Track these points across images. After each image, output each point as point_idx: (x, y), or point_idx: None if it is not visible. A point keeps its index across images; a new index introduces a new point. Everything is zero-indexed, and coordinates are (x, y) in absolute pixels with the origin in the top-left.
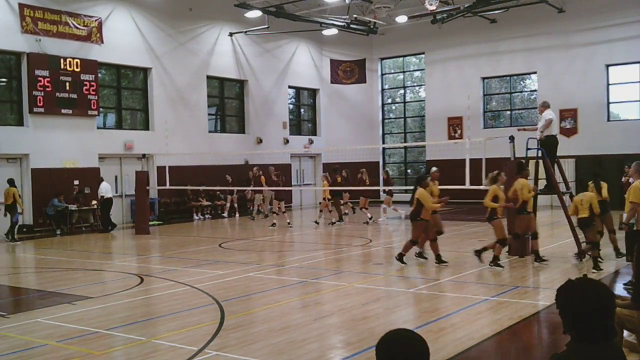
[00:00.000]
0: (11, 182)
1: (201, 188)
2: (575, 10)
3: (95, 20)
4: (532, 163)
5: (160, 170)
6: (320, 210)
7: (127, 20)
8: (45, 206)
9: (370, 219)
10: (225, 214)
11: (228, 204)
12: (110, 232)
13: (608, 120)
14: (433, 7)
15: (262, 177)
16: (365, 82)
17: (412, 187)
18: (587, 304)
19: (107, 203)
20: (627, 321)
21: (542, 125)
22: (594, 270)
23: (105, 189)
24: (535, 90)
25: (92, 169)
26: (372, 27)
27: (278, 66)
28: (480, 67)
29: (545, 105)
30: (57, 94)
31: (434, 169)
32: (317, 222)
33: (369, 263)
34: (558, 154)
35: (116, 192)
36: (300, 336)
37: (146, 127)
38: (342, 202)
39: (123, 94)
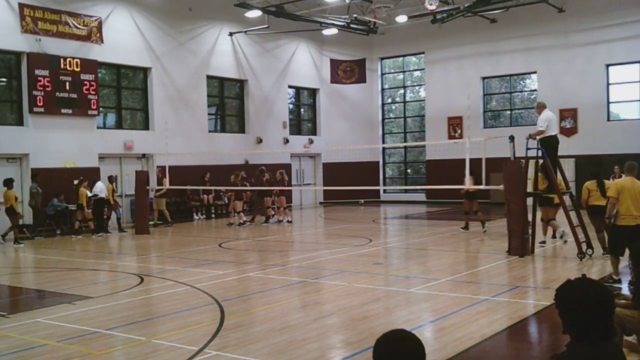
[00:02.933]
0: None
1: (201, 188)
2: (575, 10)
3: (95, 20)
4: (531, 163)
5: (160, 170)
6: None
7: (127, 20)
8: (45, 206)
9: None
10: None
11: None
12: (99, 235)
13: (608, 120)
14: (433, 7)
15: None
16: (365, 81)
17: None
18: (586, 304)
19: (100, 203)
20: (627, 321)
21: (536, 131)
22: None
23: (100, 189)
24: (535, 90)
25: (92, 169)
26: (372, 27)
27: (278, 66)
28: (480, 67)
29: (541, 106)
30: (57, 93)
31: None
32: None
33: (369, 263)
34: (558, 154)
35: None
36: (300, 336)
37: (146, 127)
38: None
39: (123, 93)
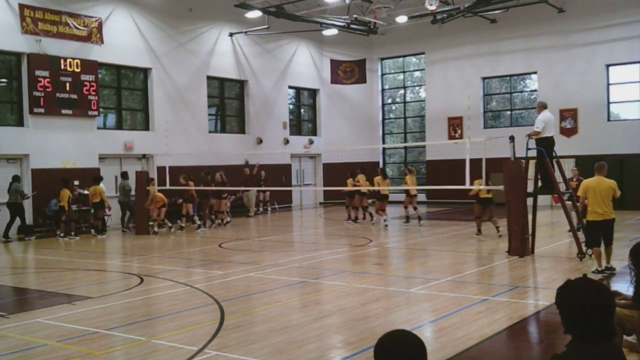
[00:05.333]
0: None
1: (199, 188)
2: (575, 10)
3: (96, 21)
4: (531, 163)
5: (160, 170)
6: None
7: (127, 20)
8: (45, 206)
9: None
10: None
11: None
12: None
13: (608, 120)
14: (433, 7)
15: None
16: (365, 82)
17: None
18: (587, 304)
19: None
20: (627, 321)
21: (532, 132)
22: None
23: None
24: (535, 90)
25: (92, 169)
26: (372, 27)
27: (278, 66)
28: (480, 67)
29: (541, 106)
30: (58, 94)
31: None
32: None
33: (369, 263)
34: (558, 154)
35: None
36: (300, 336)
37: (146, 127)
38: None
39: (123, 94)
